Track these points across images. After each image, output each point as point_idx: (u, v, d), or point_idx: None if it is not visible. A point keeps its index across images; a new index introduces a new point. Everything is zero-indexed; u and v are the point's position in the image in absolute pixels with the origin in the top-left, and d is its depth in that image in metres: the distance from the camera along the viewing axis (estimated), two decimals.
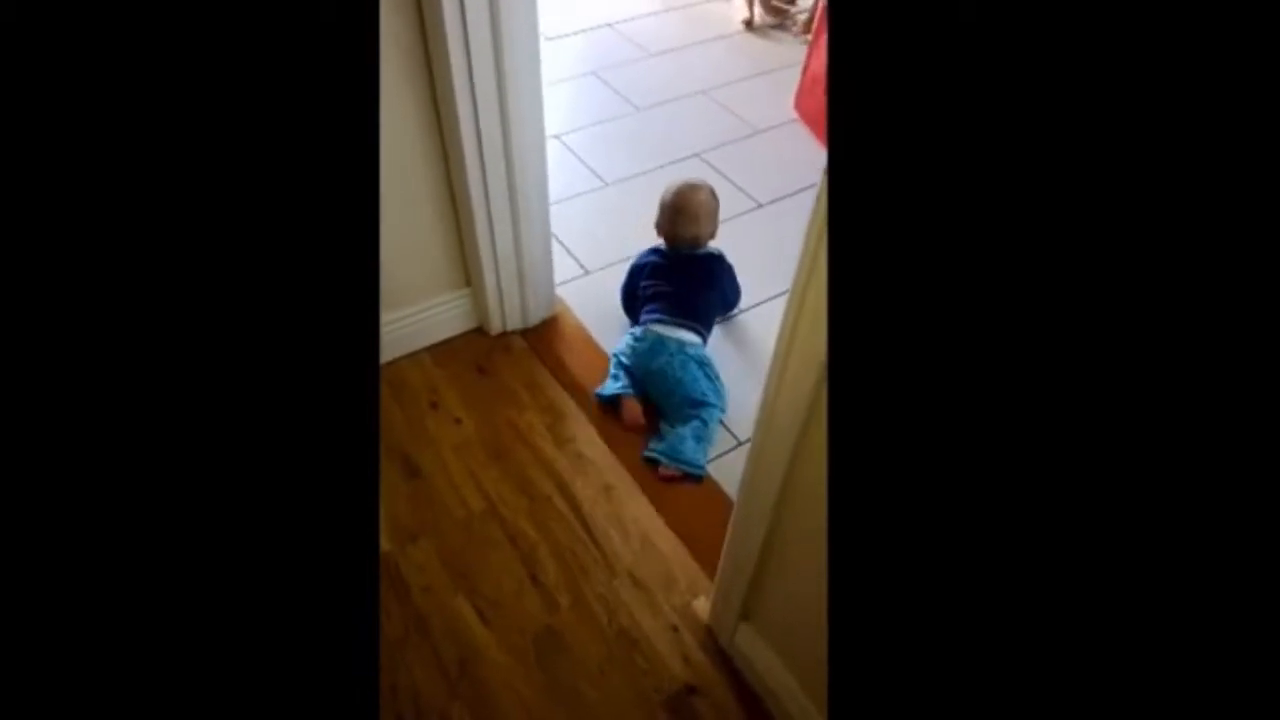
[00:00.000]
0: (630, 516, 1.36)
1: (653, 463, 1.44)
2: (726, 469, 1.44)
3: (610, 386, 1.53)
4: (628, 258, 1.85)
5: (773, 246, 1.82)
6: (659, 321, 1.53)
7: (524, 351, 1.63)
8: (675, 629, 1.23)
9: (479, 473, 1.41)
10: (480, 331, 1.65)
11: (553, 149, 2.17)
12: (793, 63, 2.56)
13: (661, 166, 2.14)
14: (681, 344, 1.51)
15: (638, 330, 1.55)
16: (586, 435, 1.48)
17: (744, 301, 1.73)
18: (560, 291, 1.74)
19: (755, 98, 2.42)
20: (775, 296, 1.76)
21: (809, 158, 2.18)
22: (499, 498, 1.38)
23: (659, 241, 1.66)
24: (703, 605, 1.25)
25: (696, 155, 2.18)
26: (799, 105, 2.34)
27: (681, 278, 1.58)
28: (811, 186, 2.16)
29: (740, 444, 1.48)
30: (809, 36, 2.40)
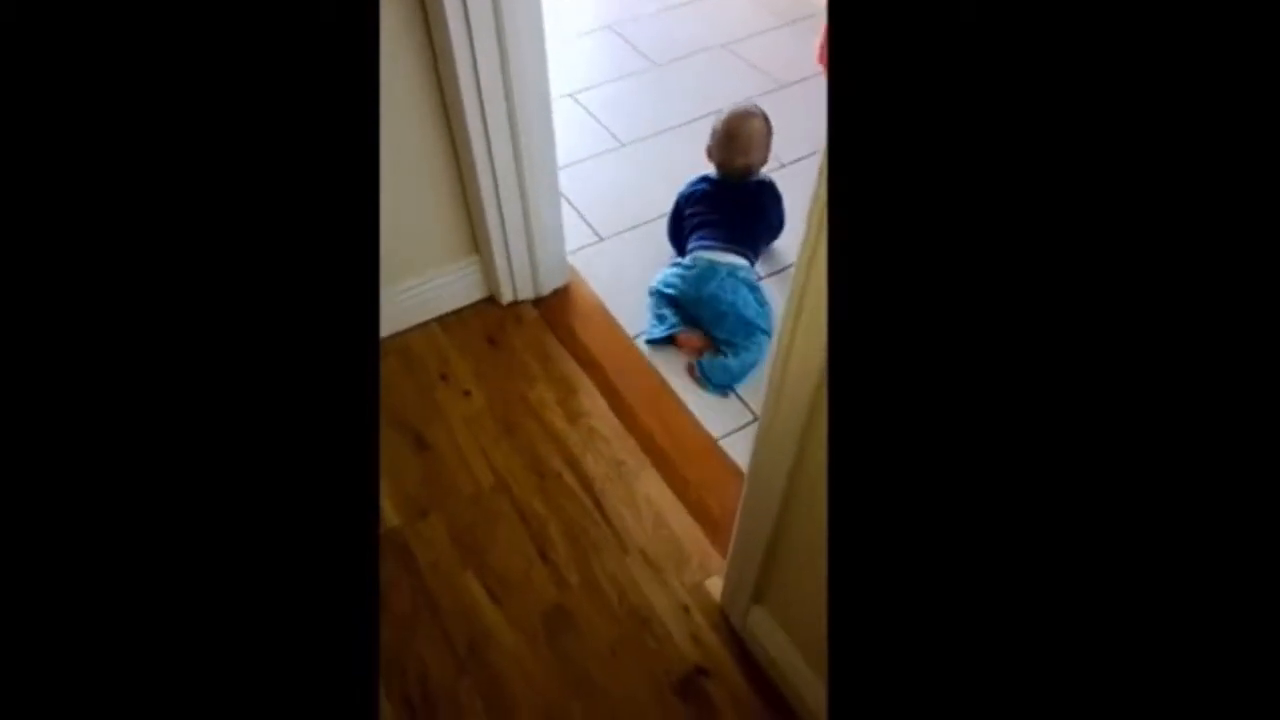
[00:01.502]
0: (642, 494, 1.33)
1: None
2: (742, 444, 1.40)
3: (658, 329, 1.52)
4: (644, 223, 1.80)
5: (797, 208, 1.75)
6: (708, 248, 1.53)
7: (535, 322, 1.59)
8: (686, 609, 1.20)
9: (489, 447, 1.39)
10: (491, 301, 1.62)
11: (567, 108, 2.10)
12: (813, 12, 2.44)
13: (681, 125, 2.06)
14: (733, 268, 1.50)
15: (686, 259, 1.55)
16: (599, 409, 1.45)
17: (766, 268, 1.67)
18: (573, 259, 1.70)
19: (778, 50, 2.32)
20: (783, 268, 1.70)
21: None
22: (509, 473, 1.35)
23: (709, 169, 1.65)
24: (715, 584, 1.22)
25: (718, 113, 2.10)
26: (823, 57, 2.24)
27: (730, 206, 1.57)
28: None
29: (755, 419, 1.44)
30: None
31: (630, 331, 1.58)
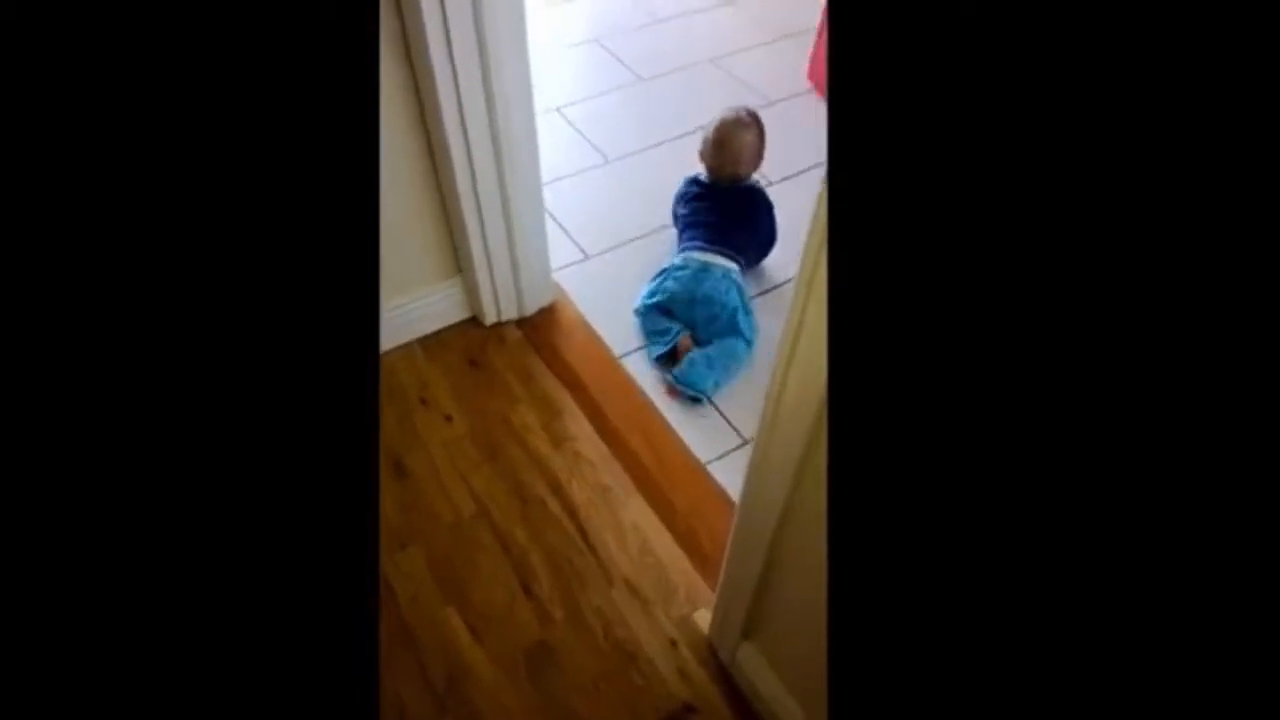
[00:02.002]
0: (628, 521, 1.29)
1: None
2: (731, 469, 1.37)
3: (661, 343, 1.50)
4: (631, 240, 1.77)
5: (786, 227, 1.72)
6: (699, 249, 1.54)
7: (519, 343, 1.55)
8: (674, 643, 1.16)
9: (470, 473, 1.34)
10: (474, 322, 1.57)
11: (553, 122, 2.07)
12: (804, 28, 2.43)
13: (668, 141, 2.03)
14: (726, 269, 1.52)
15: (678, 259, 1.55)
16: (584, 433, 1.41)
17: (756, 285, 1.65)
18: (558, 278, 1.66)
19: (767, 66, 2.30)
20: (786, 282, 1.67)
21: (824, 130, 2.06)
22: (491, 500, 1.31)
23: (700, 170, 1.66)
24: (704, 617, 1.18)
25: (702, 129, 2.07)
26: (813, 73, 2.22)
27: (720, 209, 1.58)
28: (823, 164, 2.06)
29: (745, 442, 1.41)
30: None
31: (617, 351, 1.55)
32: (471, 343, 1.54)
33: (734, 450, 1.40)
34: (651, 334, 1.54)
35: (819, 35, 2.16)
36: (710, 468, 1.37)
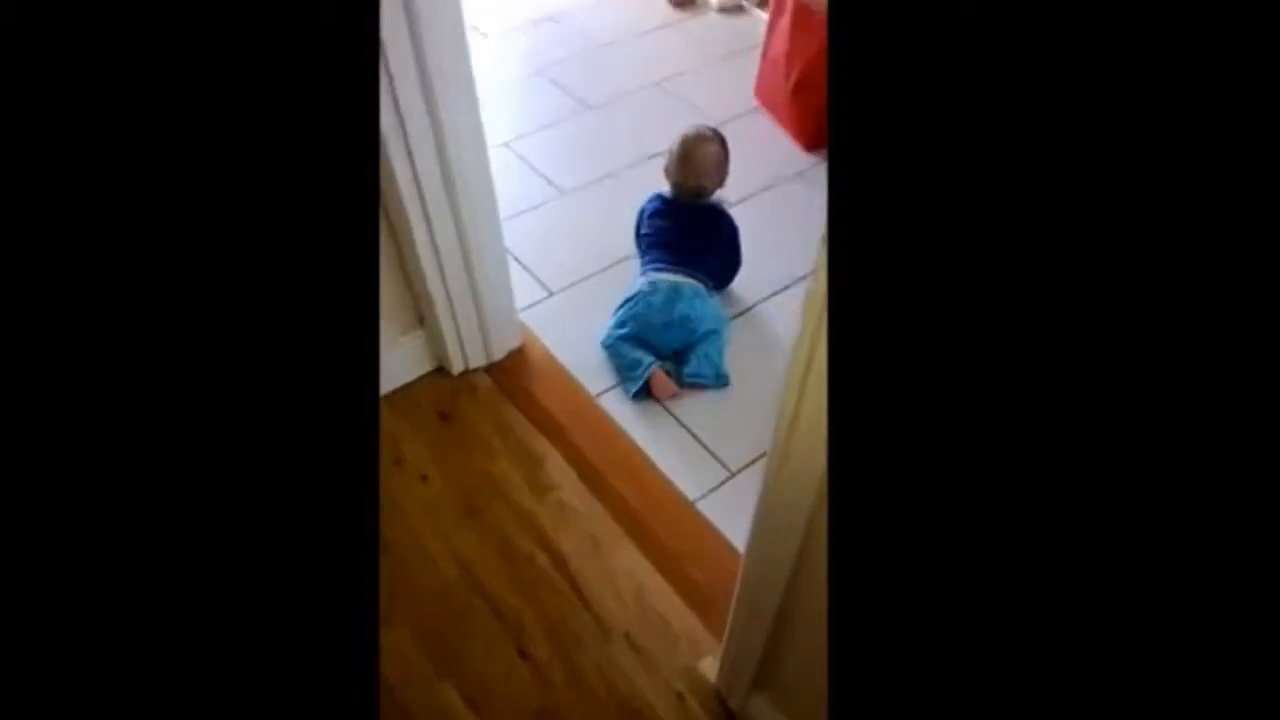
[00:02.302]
0: (622, 570, 1.25)
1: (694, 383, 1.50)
2: (720, 506, 1.34)
3: (636, 379, 1.47)
4: (595, 273, 1.73)
5: (745, 250, 1.71)
6: (662, 269, 1.54)
7: (491, 391, 1.50)
8: (681, 696, 1.12)
9: (452, 535, 1.29)
10: (441, 372, 1.52)
11: (503, 157, 2.03)
12: (746, 46, 2.43)
13: (621, 169, 2.01)
14: (695, 287, 1.52)
15: (644, 284, 1.53)
16: (567, 480, 1.37)
17: (731, 309, 1.63)
18: (524, 318, 1.61)
19: (713, 87, 2.29)
20: (742, 311, 1.66)
21: (774, 149, 2.06)
22: (477, 562, 1.26)
23: (665, 188, 1.66)
24: (709, 665, 1.15)
25: (658, 155, 2.05)
26: (760, 92, 2.22)
27: (683, 229, 1.59)
28: (779, 182, 2.09)
29: (731, 475, 1.38)
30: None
31: (592, 390, 1.51)
32: (441, 395, 1.49)
33: (721, 485, 1.37)
34: (624, 365, 1.51)
35: (763, 55, 2.16)
36: (700, 505, 1.34)
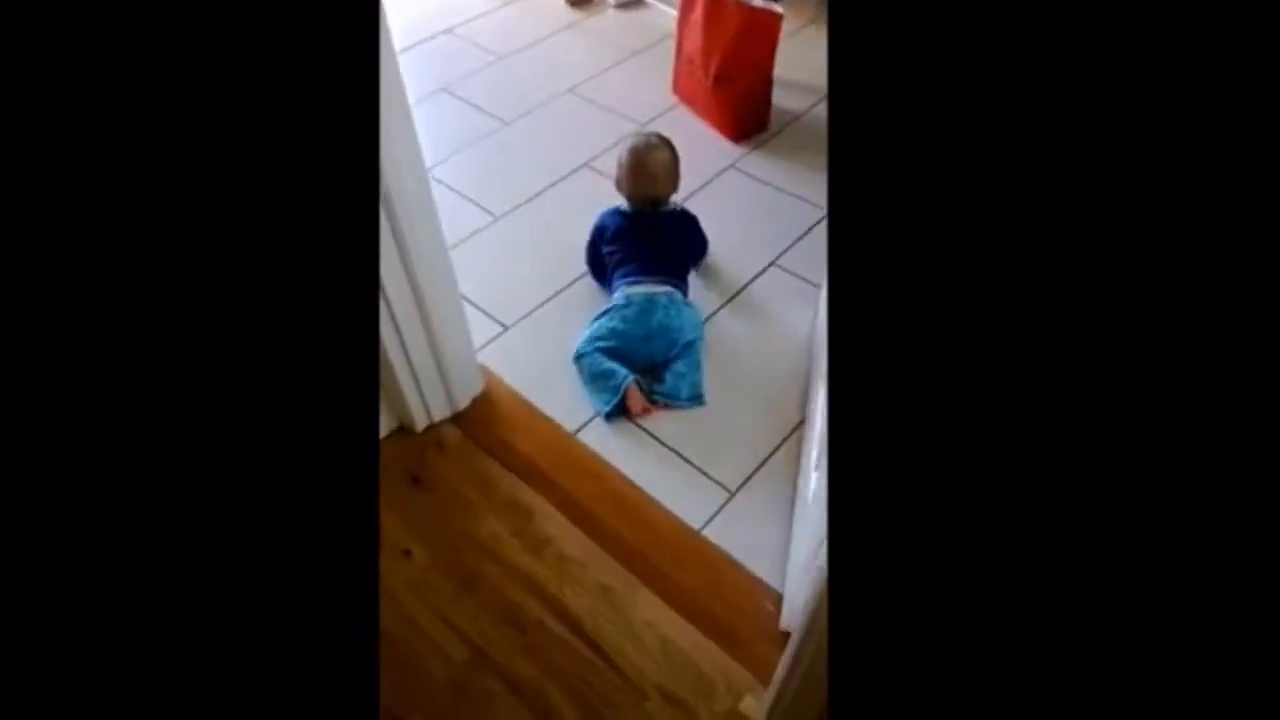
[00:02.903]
0: (640, 619, 1.17)
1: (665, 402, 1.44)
2: (724, 529, 1.27)
3: (609, 397, 1.41)
4: (547, 299, 1.64)
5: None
6: (637, 283, 1.49)
7: (461, 444, 1.39)
8: None
9: (450, 612, 1.17)
10: (404, 431, 1.39)
11: None
12: (651, 42, 2.37)
13: (553, 184, 1.91)
14: (670, 295, 1.48)
15: (619, 298, 1.49)
16: (562, 530, 1.27)
17: (719, 296, 1.56)
18: (483, 358, 1.50)
19: (627, 87, 2.21)
20: (743, 290, 1.60)
21: (703, 144, 2.00)
22: (483, 637, 1.15)
23: (609, 200, 1.62)
24: (751, 705, 1.08)
25: (586, 165, 1.96)
26: (678, 89, 2.16)
27: (647, 239, 1.55)
28: (715, 176, 2.03)
29: (732, 494, 1.32)
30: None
31: (568, 427, 1.41)
32: (407, 456, 1.36)
33: (723, 507, 1.30)
34: (594, 377, 1.44)
35: (677, 52, 2.09)
36: (706, 533, 1.27)
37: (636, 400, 1.40)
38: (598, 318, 1.50)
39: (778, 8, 1.86)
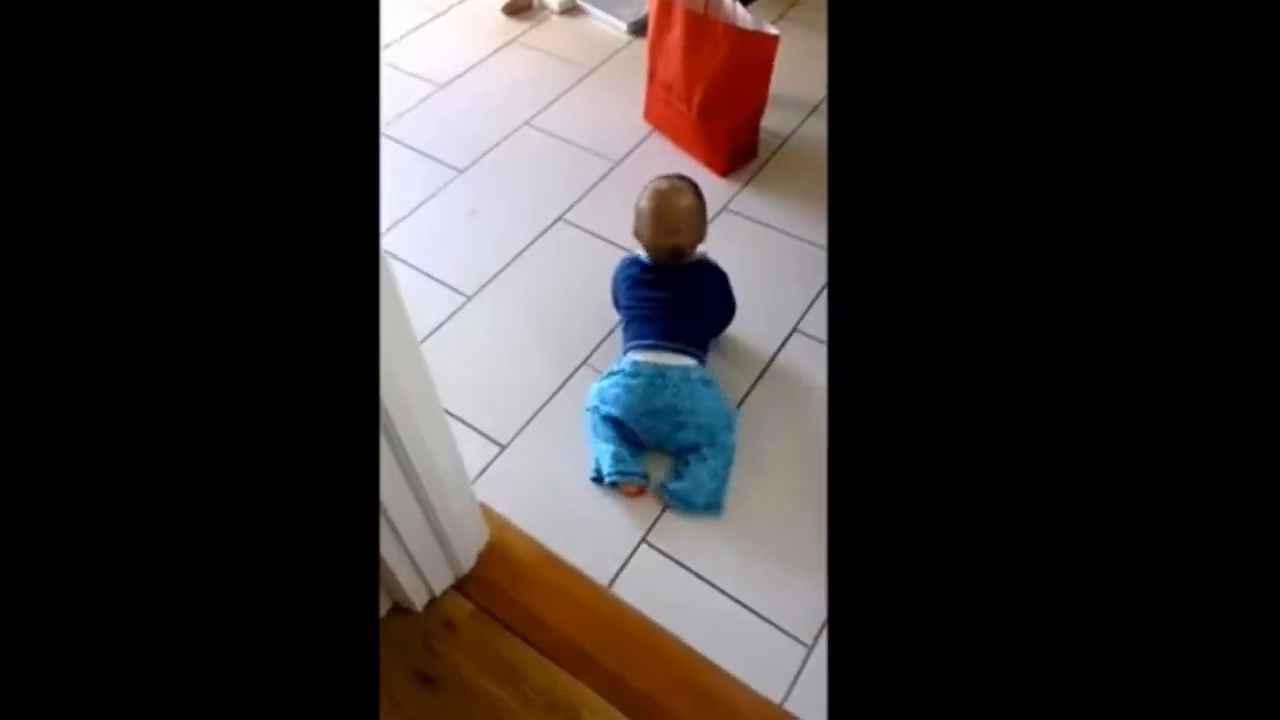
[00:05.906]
0: None
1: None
2: (806, 698, 1.06)
3: (609, 465, 1.25)
4: (544, 403, 1.38)
5: None
6: (648, 348, 1.30)
7: (474, 620, 1.12)
8: None
9: None
10: (401, 612, 1.12)
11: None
12: (605, 56, 2.10)
13: (528, 247, 1.63)
14: (685, 370, 1.29)
15: (628, 364, 1.30)
16: (607, 715, 1.04)
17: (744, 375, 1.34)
18: (482, 493, 1.24)
19: (591, 115, 1.94)
20: (770, 361, 1.37)
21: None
22: None
23: (639, 250, 1.42)
24: None
25: (560, 219, 1.69)
26: (651, 115, 1.90)
27: (667, 295, 1.35)
28: (711, 217, 1.79)
29: (809, 648, 1.10)
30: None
31: (600, 577, 1.17)
32: (411, 646, 1.09)
33: (803, 669, 1.09)
34: (601, 440, 1.28)
35: (650, 76, 1.83)
36: (789, 706, 1.06)
37: (631, 488, 1.27)
38: (605, 376, 1.33)
39: (772, 30, 1.62)
